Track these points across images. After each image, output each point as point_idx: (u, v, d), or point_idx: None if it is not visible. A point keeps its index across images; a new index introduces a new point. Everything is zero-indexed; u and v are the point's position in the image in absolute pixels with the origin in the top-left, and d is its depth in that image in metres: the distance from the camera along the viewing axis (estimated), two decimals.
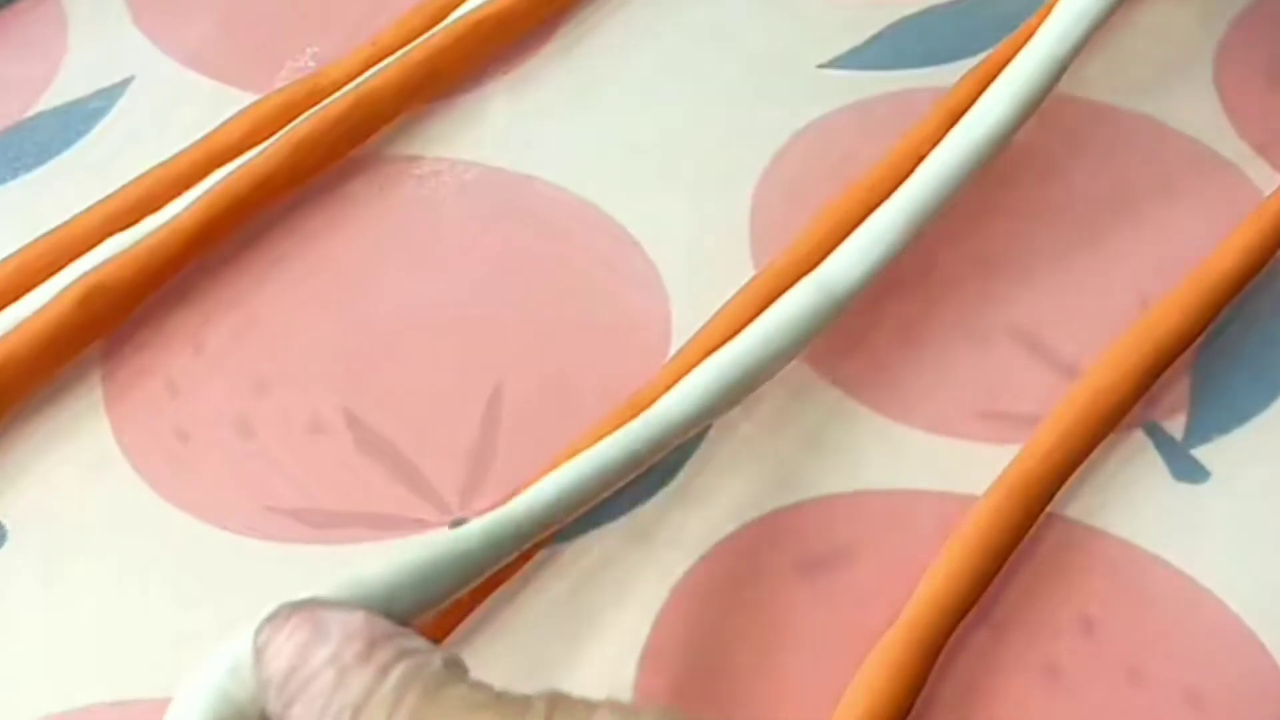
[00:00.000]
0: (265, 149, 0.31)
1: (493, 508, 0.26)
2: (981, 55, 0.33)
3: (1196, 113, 0.33)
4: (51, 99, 0.34)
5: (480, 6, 0.34)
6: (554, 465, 0.27)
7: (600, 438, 0.27)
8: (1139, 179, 0.32)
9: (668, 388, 0.28)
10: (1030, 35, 0.33)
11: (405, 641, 0.20)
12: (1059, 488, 0.27)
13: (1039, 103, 0.31)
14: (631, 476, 0.25)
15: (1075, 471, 0.27)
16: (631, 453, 0.25)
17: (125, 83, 0.34)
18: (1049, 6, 0.34)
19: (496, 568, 0.23)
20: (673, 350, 0.29)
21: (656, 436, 0.26)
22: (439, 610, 0.25)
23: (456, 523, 0.27)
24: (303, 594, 0.21)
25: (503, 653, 0.25)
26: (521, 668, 0.25)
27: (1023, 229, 0.31)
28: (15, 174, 0.33)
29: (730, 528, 0.27)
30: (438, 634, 0.25)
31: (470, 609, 0.25)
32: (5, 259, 0.30)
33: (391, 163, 0.33)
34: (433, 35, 0.34)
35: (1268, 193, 0.31)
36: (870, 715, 0.24)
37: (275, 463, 0.28)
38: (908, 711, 0.24)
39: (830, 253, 0.30)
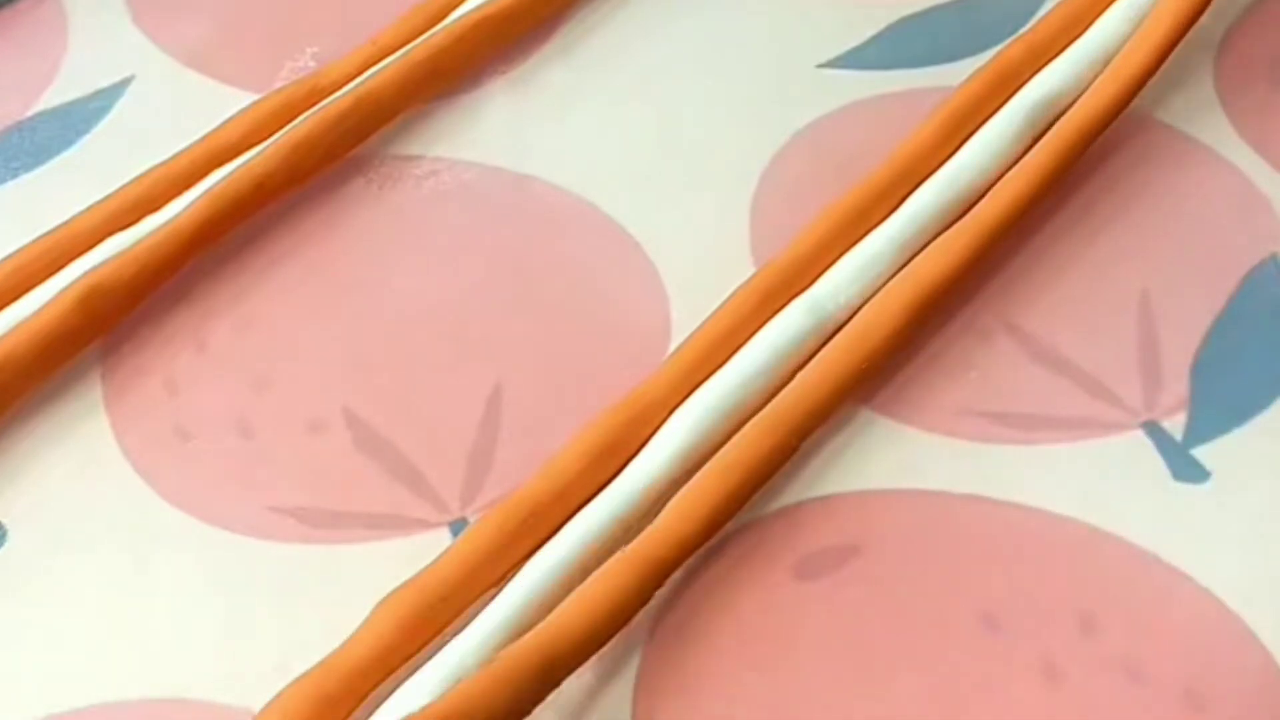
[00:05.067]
0: (265, 149, 0.31)
1: (492, 507, 0.26)
2: (985, 55, 0.33)
3: (1196, 113, 0.33)
4: (51, 99, 0.34)
5: (480, 6, 0.34)
6: (552, 464, 0.27)
7: (597, 436, 0.27)
8: (1139, 179, 0.32)
9: (667, 382, 0.28)
10: (1032, 36, 0.33)
11: None
12: None
13: (1048, 129, 0.32)
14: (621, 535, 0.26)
15: None
16: (617, 517, 0.26)
17: (125, 82, 0.34)
18: (1052, 9, 0.34)
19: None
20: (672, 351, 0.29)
21: (643, 489, 0.26)
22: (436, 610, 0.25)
23: (456, 523, 0.27)
24: (300, 593, 0.21)
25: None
26: None
27: (1023, 228, 0.31)
28: (15, 174, 0.33)
29: (730, 528, 0.27)
30: (434, 630, 0.25)
31: (469, 605, 0.25)
32: (5, 259, 0.30)
33: (391, 163, 0.33)
34: (433, 35, 0.34)
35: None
36: None
37: (275, 462, 0.28)
38: None
39: (830, 253, 0.30)
